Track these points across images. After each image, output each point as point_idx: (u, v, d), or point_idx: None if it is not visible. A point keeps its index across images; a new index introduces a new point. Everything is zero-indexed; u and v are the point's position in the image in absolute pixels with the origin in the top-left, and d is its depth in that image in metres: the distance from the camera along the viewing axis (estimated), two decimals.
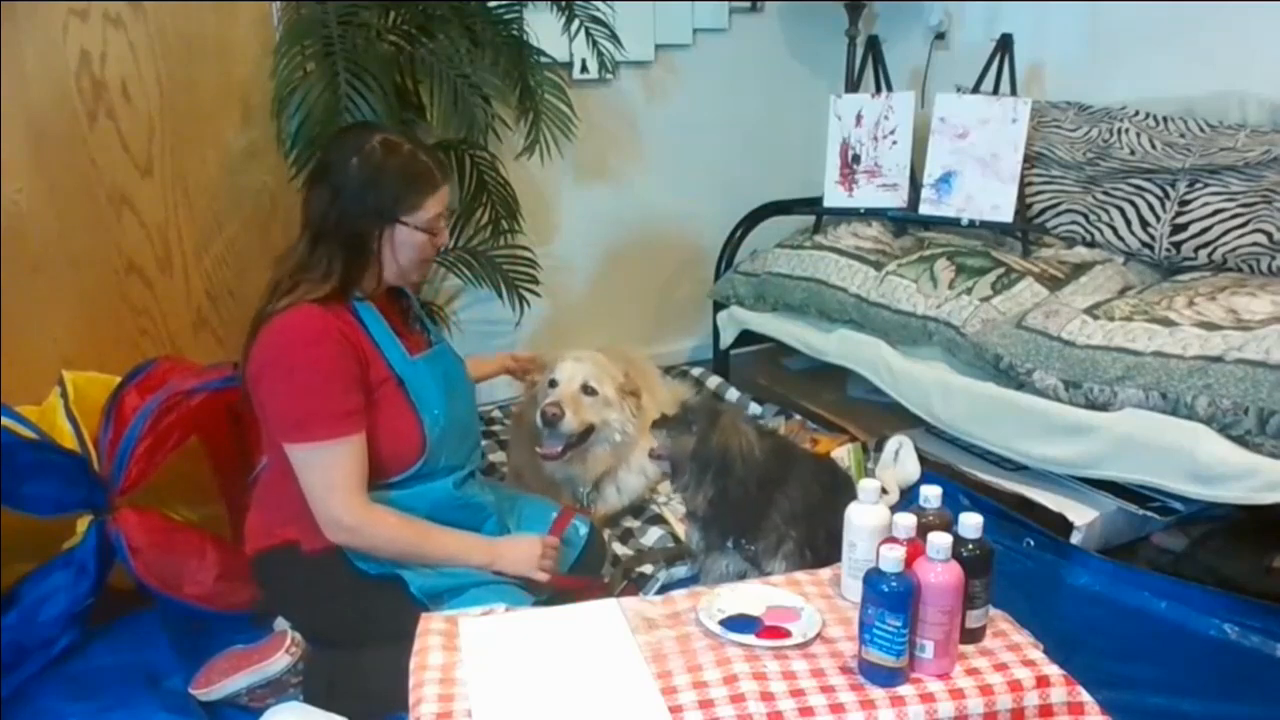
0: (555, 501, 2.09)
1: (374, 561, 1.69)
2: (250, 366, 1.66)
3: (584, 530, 1.97)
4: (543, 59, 2.56)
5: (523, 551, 1.76)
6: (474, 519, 1.82)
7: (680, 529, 2.20)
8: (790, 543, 1.82)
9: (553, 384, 2.29)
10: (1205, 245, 2.42)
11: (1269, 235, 2.31)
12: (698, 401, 1.90)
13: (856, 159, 2.93)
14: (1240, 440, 1.86)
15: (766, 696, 1.26)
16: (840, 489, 1.86)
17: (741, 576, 1.81)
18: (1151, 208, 2.53)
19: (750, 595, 1.49)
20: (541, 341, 3.18)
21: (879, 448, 2.54)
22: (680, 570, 2.10)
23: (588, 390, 2.26)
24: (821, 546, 1.78)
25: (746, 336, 3.05)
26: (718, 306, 3.13)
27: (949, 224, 2.80)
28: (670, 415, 1.90)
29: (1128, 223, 2.58)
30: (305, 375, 1.62)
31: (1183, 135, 2.53)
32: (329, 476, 1.63)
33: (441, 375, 1.78)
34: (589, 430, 2.25)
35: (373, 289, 1.74)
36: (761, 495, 1.81)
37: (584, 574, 1.95)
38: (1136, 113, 2.64)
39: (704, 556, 1.90)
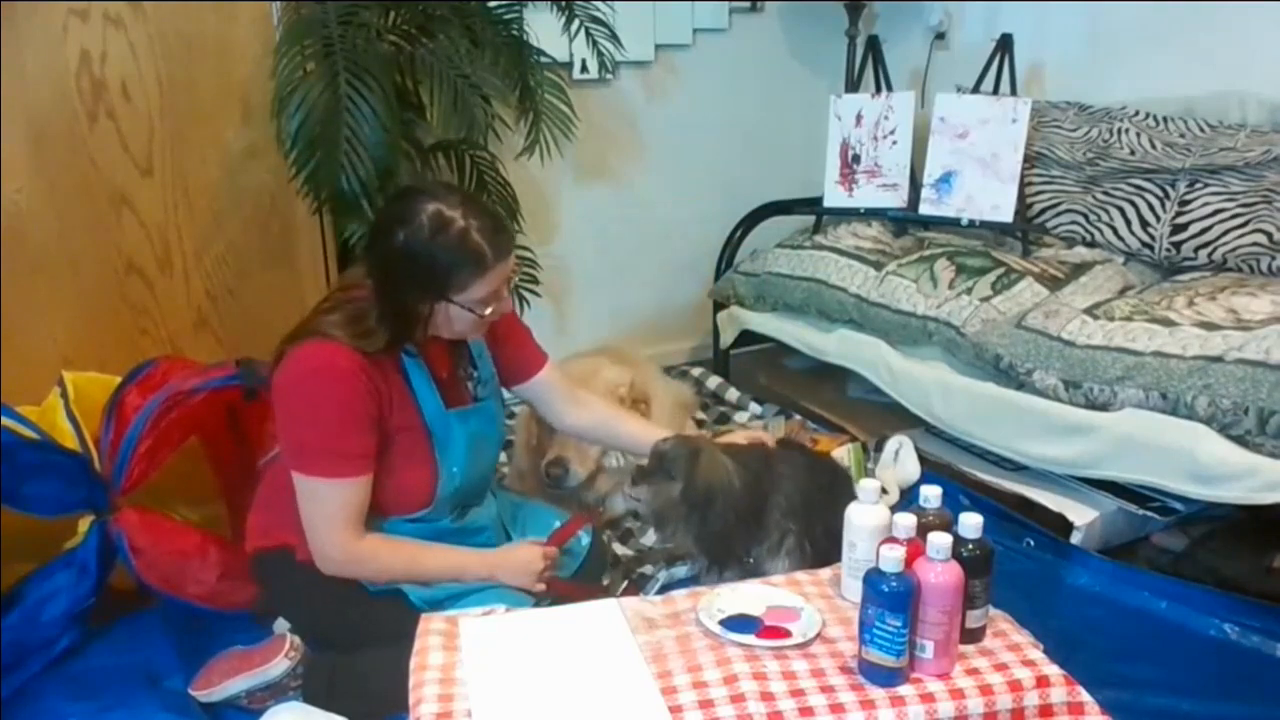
0: (560, 510, 2.08)
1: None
2: (276, 380, 1.64)
3: (585, 540, 1.96)
4: (543, 59, 2.56)
5: (521, 562, 1.73)
6: (472, 540, 1.80)
7: None
8: (791, 539, 1.81)
9: (554, 430, 2.26)
10: (1205, 245, 2.42)
11: (1269, 235, 2.31)
12: (670, 446, 1.83)
13: (856, 159, 2.93)
14: (1240, 440, 1.86)
15: (766, 696, 1.26)
16: (838, 486, 1.86)
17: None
18: (1151, 208, 2.53)
19: (750, 595, 1.49)
20: (541, 342, 3.18)
21: (879, 448, 2.54)
22: (680, 570, 2.10)
23: None
24: (820, 540, 1.78)
25: (746, 336, 3.05)
26: (718, 306, 3.13)
27: (949, 224, 2.80)
28: (645, 467, 1.84)
29: (1128, 223, 2.58)
30: (319, 410, 1.60)
31: (1183, 135, 2.53)
32: (324, 510, 1.62)
33: (472, 433, 1.75)
34: (598, 469, 2.26)
35: (422, 341, 1.69)
36: (749, 517, 1.80)
37: (585, 581, 1.94)
38: (1136, 113, 2.64)
39: (706, 575, 1.89)
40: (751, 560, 1.83)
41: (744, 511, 1.79)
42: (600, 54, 2.68)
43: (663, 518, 1.84)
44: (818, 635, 1.38)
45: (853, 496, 1.47)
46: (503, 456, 2.64)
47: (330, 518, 1.62)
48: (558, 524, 1.96)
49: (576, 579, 1.91)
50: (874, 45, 3.09)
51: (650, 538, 2.28)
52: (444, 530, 1.76)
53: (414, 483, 1.70)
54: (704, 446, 1.84)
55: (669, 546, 2.21)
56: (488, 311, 1.64)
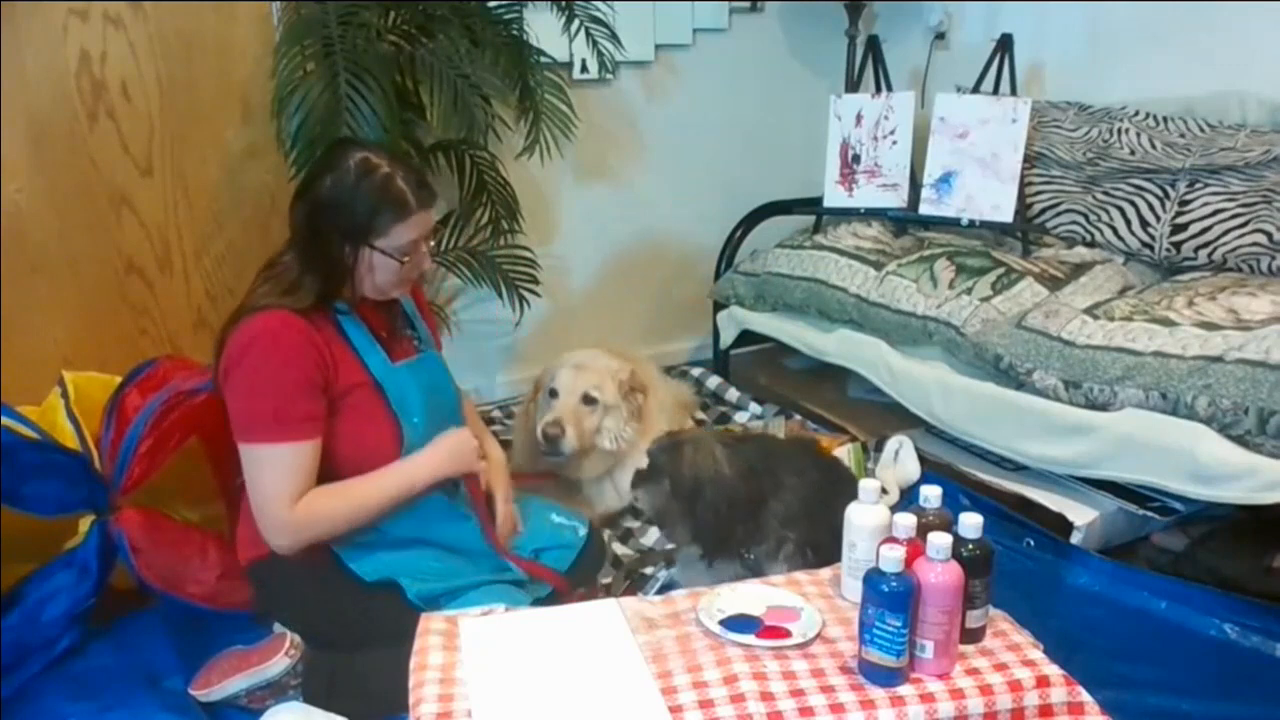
0: (557, 504, 2.08)
1: (369, 565, 1.69)
2: (218, 367, 1.66)
3: (583, 531, 1.96)
4: (543, 59, 2.56)
5: (455, 445, 1.72)
6: (464, 525, 1.79)
7: None
8: (790, 544, 1.81)
9: (553, 394, 2.28)
10: (1205, 245, 2.42)
11: (1269, 235, 2.31)
12: (659, 445, 1.87)
13: (856, 159, 2.93)
14: (1240, 440, 1.87)
15: (766, 696, 1.26)
16: (839, 480, 1.86)
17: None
18: (1151, 208, 2.53)
19: (750, 595, 1.49)
20: (542, 341, 3.19)
21: (879, 448, 2.55)
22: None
23: (588, 400, 2.26)
24: (823, 540, 1.78)
25: (746, 336, 3.05)
26: (718, 306, 3.13)
27: (949, 224, 2.80)
28: (641, 471, 1.87)
29: (1128, 223, 2.58)
30: (260, 376, 1.60)
31: (1183, 135, 2.53)
32: (270, 479, 1.61)
33: (424, 383, 1.76)
34: (591, 447, 2.28)
35: (352, 300, 1.72)
36: (743, 507, 1.80)
37: (584, 574, 1.95)
38: (1136, 113, 2.64)
39: (710, 567, 1.90)
40: (751, 556, 1.83)
41: (739, 500, 1.79)
42: (600, 54, 2.68)
43: (662, 517, 1.85)
44: (818, 635, 1.38)
45: (854, 497, 1.47)
46: None
47: (276, 486, 1.60)
48: (555, 517, 1.97)
49: (575, 569, 1.91)
50: (874, 45, 3.09)
51: (650, 537, 2.28)
52: (435, 511, 1.75)
53: (377, 440, 1.68)
54: (690, 439, 1.86)
55: (670, 547, 2.21)
56: (407, 259, 1.66)
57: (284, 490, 1.61)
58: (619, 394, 2.31)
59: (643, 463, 2.01)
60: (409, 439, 1.70)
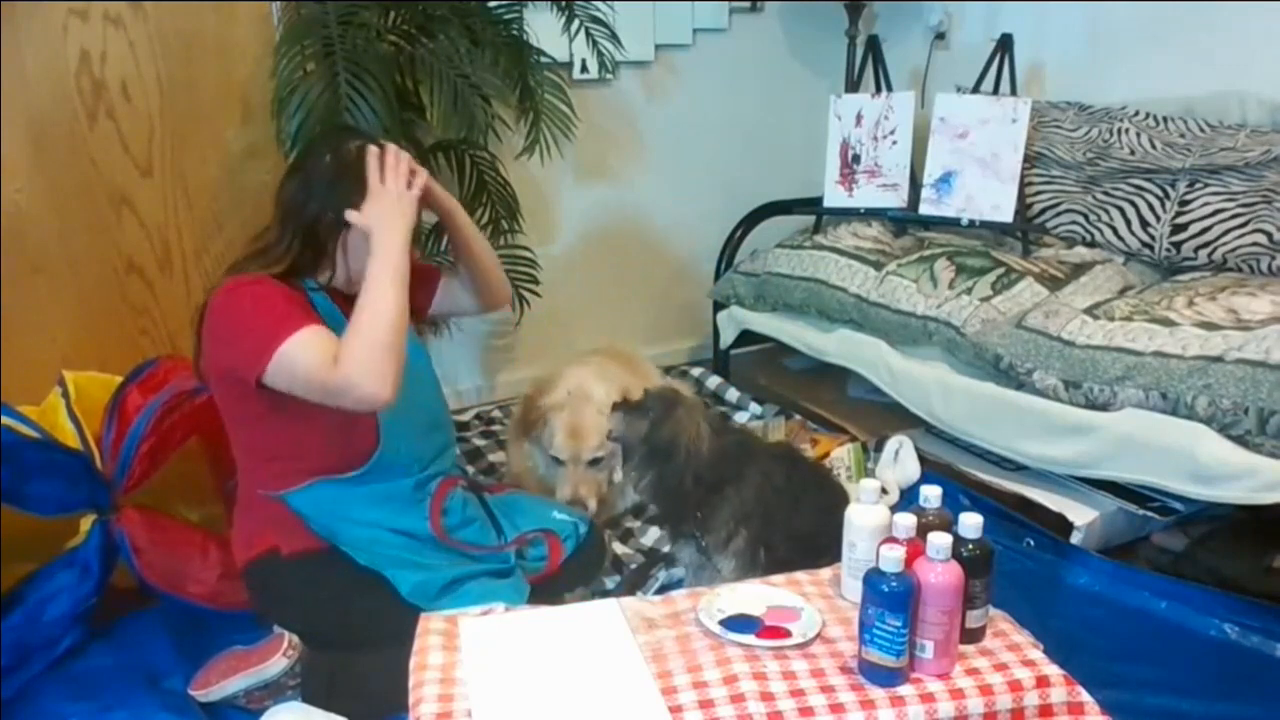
0: (553, 501, 2.09)
1: (361, 551, 1.69)
2: (203, 347, 1.64)
3: (583, 529, 1.97)
4: (543, 59, 2.56)
5: (393, 204, 1.63)
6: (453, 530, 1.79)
7: None
8: (740, 540, 1.81)
9: (557, 461, 2.27)
10: (1205, 245, 2.42)
11: (1269, 235, 2.31)
12: (659, 390, 1.91)
13: (856, 159, 2.93)
14: (1240, 440, 1.87)
15: (766, 696, 1.26)
16: (811, 489, 1.85)
17: (703, 566, 1.83)
18: (1151, 208, 2.53)
19: (750, 595, 1.49)
20: (541, 341, 3.19)
21: (879, 448, 2.55)
22: (680, 570, 2.10)
23: (595, 462, 2.26)
24: (778, 545, 1.78)
25: (746, 336, 3.05)
26: (718, 306, 3.13)
27: (949, 224, 2.80)
28: (631, 400, 1.90)
29: (1128, 223, 2.58)
30: (249, 308, 1.58)
31: (1183, 135, 2.53)
32: (313, 357, 1.53)
33: None
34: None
35: (325, 286, 1.71)
36: (705, 489, 1.80)
37: (584, 574, 1.95)
38: (1136, 113, 2.64)
39: (672, 544, 1.91)
40: (705, 543, 1.83)
41: (708, 480, 1.79)
42: (600, 54, 2.68)
43: (629, 450, 1.87)
44: (818, 635, 1.38)
45: (830, 507, 1.46)
46: (501, 455, 2.65)
47: (325, 357, 1.52)
48: (557, 514, 1.97)
49: (574, 568, 1.92)
50: (874, 45, 3.10)
51: (650, 537, 2.29)
52: (404, 498, 1.74)
53: (355, 420, 1.65)
54: (686, 403, 1.87)
55: (668, 549, 2.21)
56: None
57: (329, 360, 1.52)
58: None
59: None
60: (382, 415, 1.68)
